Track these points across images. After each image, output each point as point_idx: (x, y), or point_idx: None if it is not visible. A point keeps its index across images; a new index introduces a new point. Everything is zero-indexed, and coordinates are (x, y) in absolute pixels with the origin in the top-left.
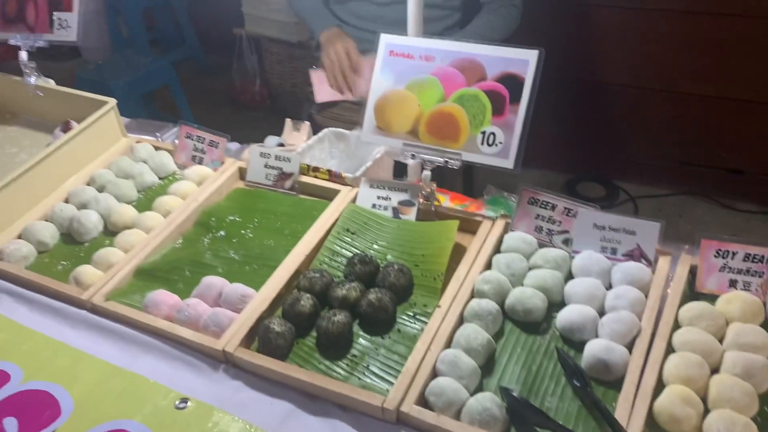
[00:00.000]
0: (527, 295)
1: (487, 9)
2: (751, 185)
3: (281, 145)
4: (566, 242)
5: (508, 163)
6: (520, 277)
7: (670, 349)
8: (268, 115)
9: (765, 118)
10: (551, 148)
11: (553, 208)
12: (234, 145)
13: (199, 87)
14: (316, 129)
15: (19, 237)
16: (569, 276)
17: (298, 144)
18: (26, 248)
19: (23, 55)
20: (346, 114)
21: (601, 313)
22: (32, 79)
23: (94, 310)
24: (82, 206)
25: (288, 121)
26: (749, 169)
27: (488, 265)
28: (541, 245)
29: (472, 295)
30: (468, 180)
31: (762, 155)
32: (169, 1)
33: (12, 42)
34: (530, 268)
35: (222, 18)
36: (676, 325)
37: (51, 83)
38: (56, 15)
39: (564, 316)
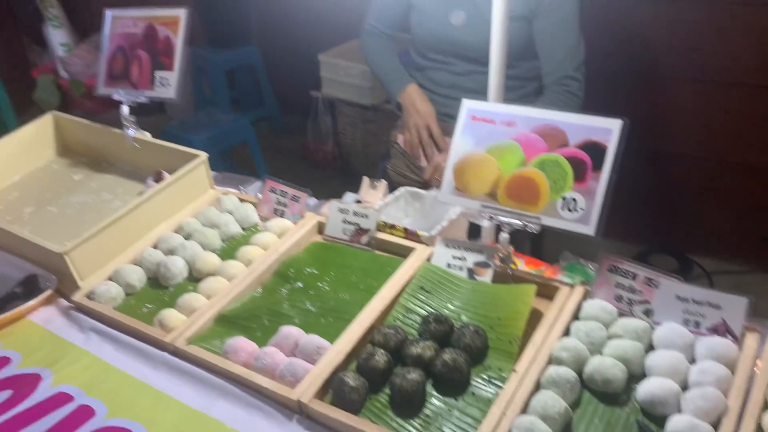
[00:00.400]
0: (606, 365)
1: (548, 93)
2: None
3: (358, 202)
4: (647, 313)
5: (589, 230)
6: (599, 345)
7: (760, 431)
8: (337, 173)
9: None
10: (624, 218)
11: (634, 277)
12: (312, 201)
13: (274, 144)
14: (391, 188)
15: (110, 279)
16: (649, 347)
17: (374, 202)
18: (115, 290)
19: (125, 109)
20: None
21: (684, 387)
22: (131, 132)
23: (176, 352)
24: (170, 252)
25: (365, 179)
26: None
27: (566, 332)
28: (621, 315)
29: (549, 362)
30: (537, 245)
31: None
32: (251, 63)
33: (115, 97)
34: (609, 338)
35: (300, 81)
36: (766, 406)
37: (147, 136)
38: (158, 74)
39: (645, 389)
